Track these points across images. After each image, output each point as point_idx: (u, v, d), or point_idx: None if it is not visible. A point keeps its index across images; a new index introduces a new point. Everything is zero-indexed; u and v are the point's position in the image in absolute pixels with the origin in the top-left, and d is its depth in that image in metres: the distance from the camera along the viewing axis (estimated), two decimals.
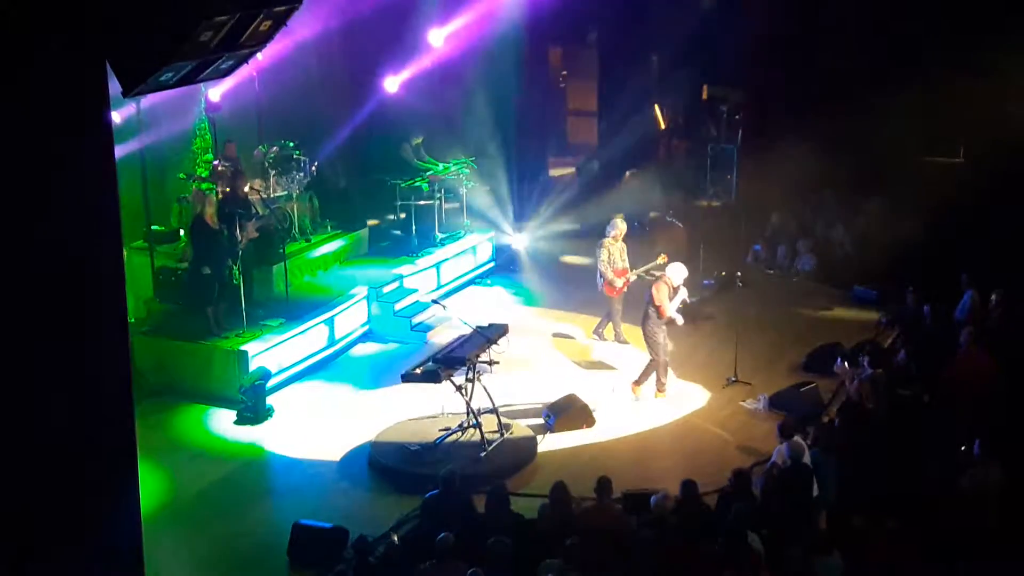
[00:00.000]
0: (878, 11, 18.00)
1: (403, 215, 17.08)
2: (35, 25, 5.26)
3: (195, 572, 9.76)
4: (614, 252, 14.30)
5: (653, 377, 13.07)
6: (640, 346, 13.62)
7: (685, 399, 13.16)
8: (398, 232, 17.05)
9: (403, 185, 16.79)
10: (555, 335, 15.42)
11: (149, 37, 5.59)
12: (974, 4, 17.31)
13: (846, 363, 12.68)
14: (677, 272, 12.83)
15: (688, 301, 12.97)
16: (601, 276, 14.39)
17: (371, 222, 17.64)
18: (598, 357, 14.61)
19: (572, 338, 15.30)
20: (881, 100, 17.99)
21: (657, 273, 13.53)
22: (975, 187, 16.49)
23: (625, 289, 14.44)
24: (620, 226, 14.38)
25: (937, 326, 13.62)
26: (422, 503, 9.86)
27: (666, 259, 13.94)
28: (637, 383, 13.12)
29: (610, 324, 14.86)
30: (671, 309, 12.70)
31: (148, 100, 13.89)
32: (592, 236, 15.78)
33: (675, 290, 12.79)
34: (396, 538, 9.42)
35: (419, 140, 17.45)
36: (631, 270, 14.39)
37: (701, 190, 19.96)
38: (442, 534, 8.54)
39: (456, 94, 18.53)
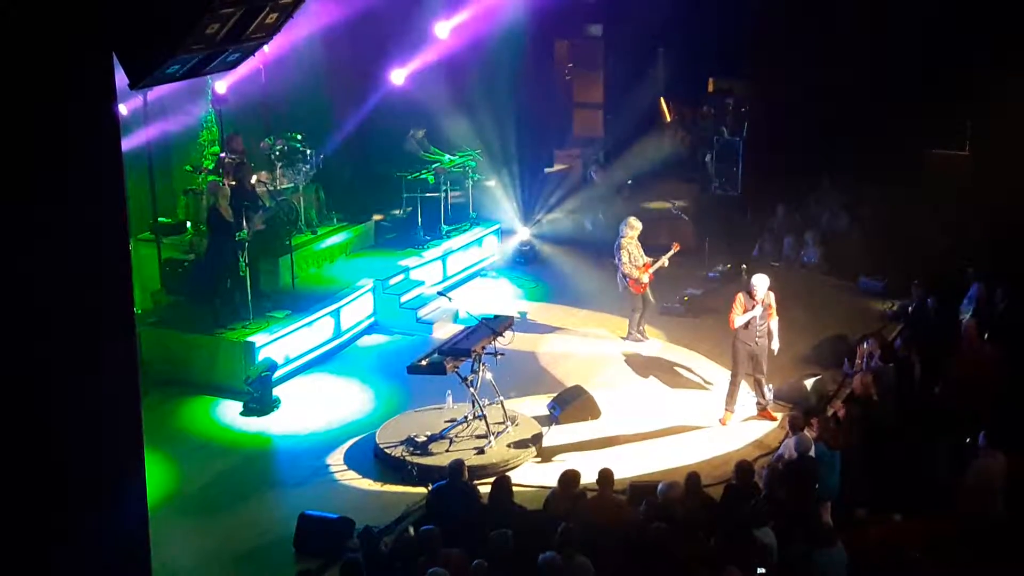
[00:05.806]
0: (884, 5, 17.94)
1: (408, 208, 17.09)
2: (42, 18, 5.28)
3: (201, 562, 9.81)
4: (633, 250, 14.38)
5: (735, 395, 12.48)
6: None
7: (690, 392, 13.17)
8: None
9: (409, 177, 16.80)
10: (561, 328, 15.42)
11: (156, 30, 5.62)
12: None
13: (854, 355, 12.65)
14: (760, 283, 12.14)
15: (758, 318, 12.12)
16: (625, 276, 14.40)
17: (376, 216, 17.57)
18: (603, 350, 14.61)
19: (577, 330, 15.33)
20: (887, 93, 17.95)
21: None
22: (980, 180, 16.43)
23: (651, 282, 14.47)
24: (635, 224, 14.48)
25: (942, 318, 13.61)
26: (428, 494, 9.90)
27: (678, 247, 14.44)
28: (727, 410, 12.45)
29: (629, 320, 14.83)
30: (739, 322, 12.10)
31: (155, 92, 13.91)
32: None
33: (751, 303, 12.09)
34: (411, 530, 9.26)
35: (421, 133, 17.43)
36: (652, 263, 14.43)
37: (706, 182, 19.93)
38: (424, 527, 8.55)
39: (462, 86, 18.51)
